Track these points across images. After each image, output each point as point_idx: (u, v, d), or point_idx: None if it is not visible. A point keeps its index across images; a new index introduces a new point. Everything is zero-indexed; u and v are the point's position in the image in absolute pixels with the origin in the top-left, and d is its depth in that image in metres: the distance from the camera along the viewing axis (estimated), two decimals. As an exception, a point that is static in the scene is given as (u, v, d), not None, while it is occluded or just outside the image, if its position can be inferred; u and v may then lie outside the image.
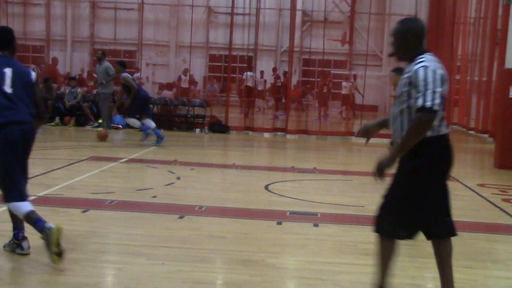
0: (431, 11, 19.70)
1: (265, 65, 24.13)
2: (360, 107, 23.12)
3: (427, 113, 3.99)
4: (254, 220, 7.22)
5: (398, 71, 10.50)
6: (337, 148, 16.24)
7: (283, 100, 21.57)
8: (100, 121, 16.58)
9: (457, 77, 23.16)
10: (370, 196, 8.84)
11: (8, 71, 5.23)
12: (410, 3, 23.29)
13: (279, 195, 8.64)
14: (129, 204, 7.67)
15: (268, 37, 26.39)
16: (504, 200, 9.00)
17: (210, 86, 25.07)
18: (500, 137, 12.74)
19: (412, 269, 5.53)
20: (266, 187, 9.12)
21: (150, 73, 25.27)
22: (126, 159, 11.44)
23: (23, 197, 5.29)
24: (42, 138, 14.57)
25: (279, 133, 18.33)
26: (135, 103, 13.52)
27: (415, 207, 4.22)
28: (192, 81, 23.50)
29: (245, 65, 21.78)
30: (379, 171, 4.21)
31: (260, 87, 23.37)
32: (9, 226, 5.52)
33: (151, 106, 15.92)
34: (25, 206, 5.23)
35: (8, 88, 5.17)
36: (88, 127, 17.20)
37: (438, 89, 4.03)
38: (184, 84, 22.04)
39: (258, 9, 19.96)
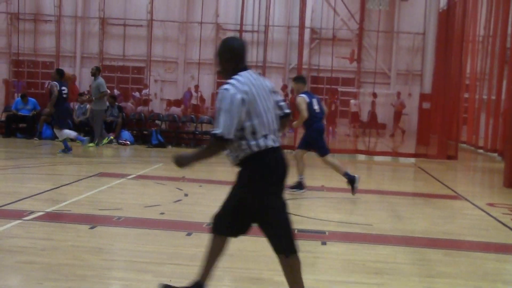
0: (439, 29, 19.74)
1: (273, 82, 24.19)
2: (368, 125, 23.13)
3: (217, 141, 4.20)
4: (262, 238, 7.16)
5: (298, 79, 10.71)
6: (345, 166, 16.17)
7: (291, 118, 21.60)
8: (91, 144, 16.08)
9: (466, 95, 23.15)
10: (378, 215, 8.82)
11: None
12: (418, 21, 23.37)
13: (287, 212, 8.60)
14: (137, 221, 7.66)
15: (277, 54, 26.50)
16: (513, 219, 8.94)
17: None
18: (509, 156, 12.68)
19: (421, 289, 5.48)
20: (274, 205, 9.07)
21: (158, 89, 25.36)
22: (134, 176, 11.44)
23: None
24: (51, 154, 14.61)
25: (287, 150, 18.30)
26: (63, 114, 14.14)
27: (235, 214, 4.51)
28: (200, 98, 23.57)
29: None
30: (177, 164, 4.44)
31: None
32: (18, 241, 5.51)
33: (75, 118, 16.61)
34: None
35: None
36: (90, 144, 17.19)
37: (234, 115, 4.16)
38: (194, 101, 22.09)
39: (266, 26, 20.05)
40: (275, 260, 6.05)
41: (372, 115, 25.36)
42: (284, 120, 4.62)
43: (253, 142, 4.27)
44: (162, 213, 8.11)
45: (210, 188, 10.59)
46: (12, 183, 10.14)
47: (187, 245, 6.59)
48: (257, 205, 4.39)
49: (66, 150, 14.10)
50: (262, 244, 6.84)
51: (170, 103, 22.61)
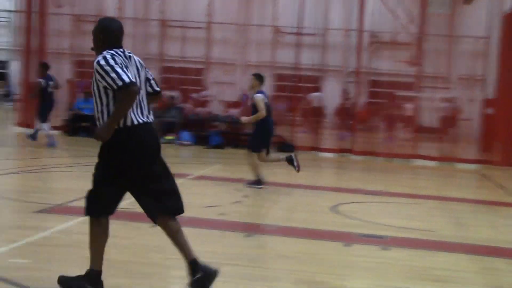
0: (504, 32, 19.29)
1: (330, 86, 24.05)
2: (426, 129, 22.75)
3: (126, 88, 4.29)
4: (321, 241, 7.16)
5: (258, 77, 10.81)
6: (403, 171, 15.99)
7: (350, 121, 21.49)
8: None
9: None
10: (440, 221, 8.67)
11: None
12: (480, 25, 22.88)
13: (346, 216, 8.57)
14: (196, 221, 7.73)
15: (334, 57, 26.33)
16: None
17: (277, 105, 25.15)
18: None
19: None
20: (333, 208, 9.05)
21: (217, 91, 25.55)
22: (193, 176, 11.57)
23: None
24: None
25: (345, 154, 18.20)
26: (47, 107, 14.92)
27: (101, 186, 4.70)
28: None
29: (311, 85, 21.78)
30: (99, 138, 4.55)
31: (326, 108, 23.31)
32: (83, 237, 5.62)
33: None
34: None
35: None
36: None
37: (119, 69, 4.34)
38: (255, 103, 22.12)
39: (325, 30, 19.95)
40: (334, 263, 6.04)
41: (430, 119, 24.92)
42: (154, 97, 4.81)
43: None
44: (221, 214, 8.18)
45: (269, 190, 10.60)
46: (77, 180, 10.39)
47: (246, 246, 6.63)
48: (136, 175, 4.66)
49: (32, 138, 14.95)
50: (321, 247, 6.84)
51: (228, 104, 22.77)
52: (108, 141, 4.52)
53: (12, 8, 23.76)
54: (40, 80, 15.01)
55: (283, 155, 11.06)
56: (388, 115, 22.04)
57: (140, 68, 4.66)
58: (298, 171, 10.72)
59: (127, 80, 4.31)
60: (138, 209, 7.68)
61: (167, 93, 17.08)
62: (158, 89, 4.83)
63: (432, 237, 7.48)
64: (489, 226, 8.60)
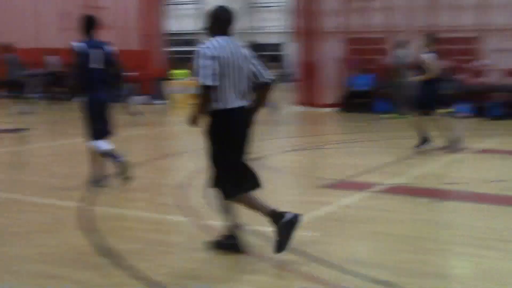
0: None
1: None
2: None
3: (203, 89, 4.80)
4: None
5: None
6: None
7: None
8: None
9: None
10: None
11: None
12: None
13: None
14: (479, 196, 7.41)
15: None
16: None
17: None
18: None
19: None
20: None
21: (495, 59, 24.11)
22: (475, 149, 11.05)
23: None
24: (389, 129, 14.94)
25: None
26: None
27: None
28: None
29: None
30: (189, 124, 4.99)
31: None
32: (365, 212, 5.76)
33: None
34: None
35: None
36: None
37: (206, 63, 4.80)
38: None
39: None
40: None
41: None
42: (262, 86, 5.10)
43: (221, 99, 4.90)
44: (506, 189, 7.74)
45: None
46: (353, 156, 10.66)
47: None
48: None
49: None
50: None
51: (508, 73, 21.36)
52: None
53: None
54: None
55: None
56: None
57: (244, 58, 5.00)
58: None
59: (201, 82, 4.81)
60: (418, 184, 7.61)
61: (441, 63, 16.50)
62: (265, 80, 5.08)
63: None
64: None
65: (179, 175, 8.73)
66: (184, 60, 23.41)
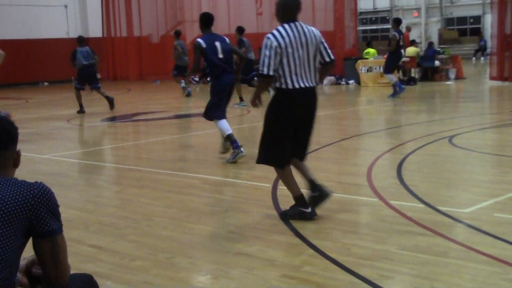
0: None
1: None
2: None
3: (261, 77, 5.34)
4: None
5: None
6: None
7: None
8: None
9: None
10: None
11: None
12: None
13: None
14: None
15: None
16: None
17: None
18: None
19: None
20: None
21: None
22: None
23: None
24: None
25: None
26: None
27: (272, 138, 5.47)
28: None
29: None
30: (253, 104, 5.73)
31: None
32: None
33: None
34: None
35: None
36: None
37: (267, 53, 5.23)
38: None
39: None
40: None
41: None
42: (326, 66, 5.53)
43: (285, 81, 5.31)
44: None
45: None
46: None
47: None
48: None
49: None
50: None
51: None
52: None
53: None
54: (394, 33, 15.80)
55: None
56: None
57: (308, 41, 5.31)
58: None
59: (261, 72, 5.29)
60: None
61: None
62: (328, 59, 5.46)
63: None
64: None
65: (367, 155, 8.58)
66: (375, 39, 23.03)
